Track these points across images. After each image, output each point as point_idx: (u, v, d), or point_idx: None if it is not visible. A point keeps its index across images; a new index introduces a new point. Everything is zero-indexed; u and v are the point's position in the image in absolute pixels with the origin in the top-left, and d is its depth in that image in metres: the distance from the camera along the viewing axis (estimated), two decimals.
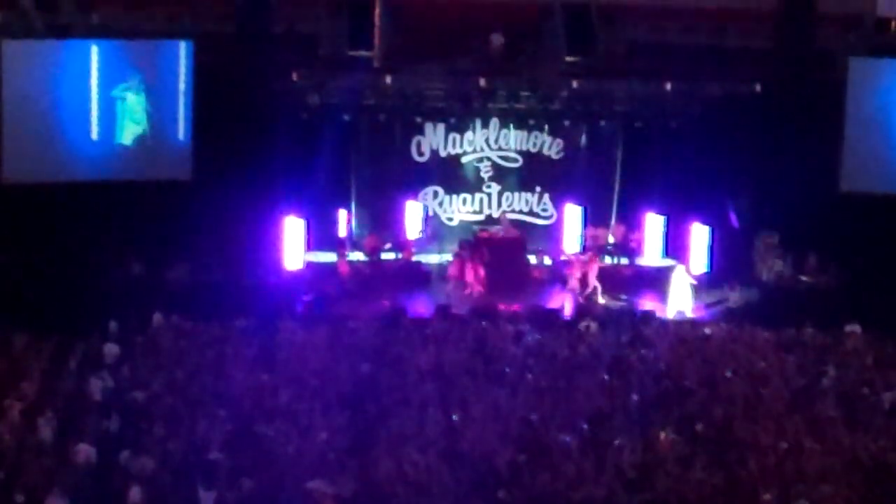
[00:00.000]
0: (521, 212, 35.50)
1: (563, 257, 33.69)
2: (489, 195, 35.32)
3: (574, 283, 32.23)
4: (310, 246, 32.85)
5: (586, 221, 34.55)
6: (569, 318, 30.32)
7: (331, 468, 21.01)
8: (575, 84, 33.76)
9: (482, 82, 33.52)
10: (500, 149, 35.05)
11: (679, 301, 31.51)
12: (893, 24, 34.45)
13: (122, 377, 24.76)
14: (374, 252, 33.50)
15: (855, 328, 29.00)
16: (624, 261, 34.22)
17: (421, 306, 31.04)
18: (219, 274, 30.93)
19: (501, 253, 33.08)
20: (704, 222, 32.92)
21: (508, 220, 34.59)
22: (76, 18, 32.03)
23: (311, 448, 21.73)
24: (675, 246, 33.94)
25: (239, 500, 20.42)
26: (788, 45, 33.66)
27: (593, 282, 32.37)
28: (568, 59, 34.85)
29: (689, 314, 31.24)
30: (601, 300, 32.08)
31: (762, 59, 34.23)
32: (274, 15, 32.93)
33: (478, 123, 34.79)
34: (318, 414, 23.10)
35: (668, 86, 33.70)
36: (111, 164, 31.81)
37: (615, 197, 35.47)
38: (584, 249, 34.18)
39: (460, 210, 35.32)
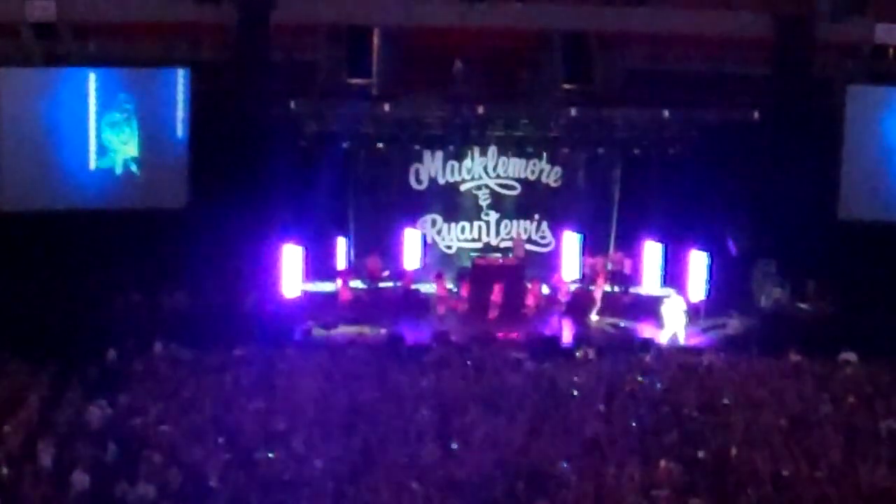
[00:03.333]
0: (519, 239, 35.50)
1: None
2: (487, 223, 35.31)
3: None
4: (307, 274, 32.84)
5: (584, 249, 34.53)
6: (567, 346, 30.30)
7: (329, 496, 20.92)
8: (573, 112, 33.83)
9: (480, 110, 33.54)
10: (498, 176, 35.04)
11: (673, 328, 31.44)
12: (891, 51, 34.52)
13: (121, 405, 24.68)
14: (375, 274, 33.49)
15: (853, 356, 28.95)
16: (622, 288, 34.20)
17: (419, 334, 31.03)
18: (217, 302, 30.90)
19: (498, 280, 33.14)
20: (703, 249, 32.82)
21: (522, 247, 34.86)
22: (73, 47, 32.05)
23: (309, 476, 21.63)
24: (673, 273, 33.90)
25: None
26: (786, 72, 33.72)
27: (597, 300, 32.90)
28: (566, 86, 35.00)
29: (682, 341, 31.19)
30: (596, 321, 32.23)
31: (760, 86, 34.28)
32: (272, 43, 32.97)
33: (476, 151, 34.79)
34: (317, 442, 23.01)
35: (666, 113, 33.72)
36: (108, 192, 31.86)
37: (613, 224, 35.48)
38: (583, 277, 34.19)
39: (459, 238, 35.30)
